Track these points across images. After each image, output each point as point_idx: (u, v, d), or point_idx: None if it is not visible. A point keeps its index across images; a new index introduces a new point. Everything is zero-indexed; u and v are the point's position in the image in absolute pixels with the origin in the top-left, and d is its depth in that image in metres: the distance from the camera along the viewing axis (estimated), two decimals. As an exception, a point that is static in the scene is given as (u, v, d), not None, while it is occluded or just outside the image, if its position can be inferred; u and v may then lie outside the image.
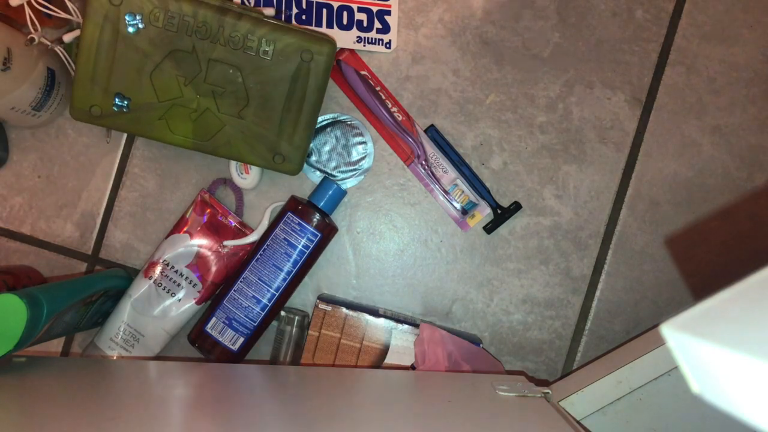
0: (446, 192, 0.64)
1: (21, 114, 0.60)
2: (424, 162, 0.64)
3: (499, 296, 0.66)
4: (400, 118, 0.64)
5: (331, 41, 0.57)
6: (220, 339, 0.59)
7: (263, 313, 0.60)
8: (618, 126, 0.65)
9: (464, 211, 0.64)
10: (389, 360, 0.61)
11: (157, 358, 0.64)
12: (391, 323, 0.62)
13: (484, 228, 0.65)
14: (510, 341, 0.66)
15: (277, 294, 0.60)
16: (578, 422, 0.50)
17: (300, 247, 0.59)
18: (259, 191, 0.66)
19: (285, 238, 0.60)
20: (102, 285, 0.59)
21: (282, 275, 0.59)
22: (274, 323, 0.65)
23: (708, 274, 0.65)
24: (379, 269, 0.66)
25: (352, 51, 0.65)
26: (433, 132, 0.64)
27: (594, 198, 0.65)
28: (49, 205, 0.66)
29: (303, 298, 0.66)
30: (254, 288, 0.60)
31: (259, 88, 0.56)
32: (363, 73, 0.64)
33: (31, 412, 0.40)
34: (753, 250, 0.64)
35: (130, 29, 0.54)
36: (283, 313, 0.63)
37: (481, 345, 0.63)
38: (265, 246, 0.60)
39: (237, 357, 0.60)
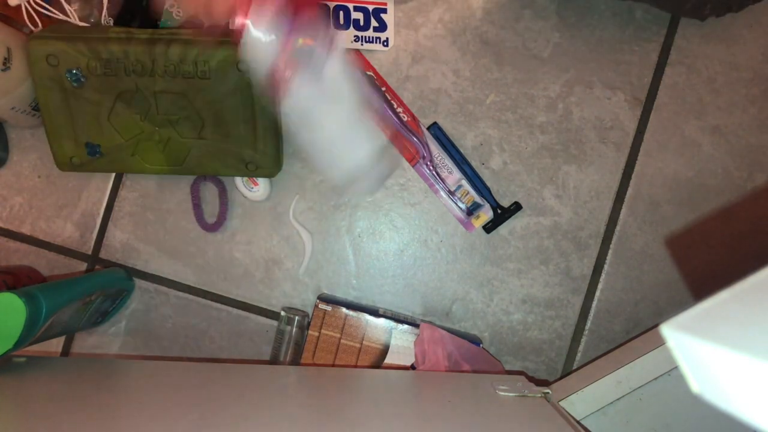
0: (451, 192, 0.64)
1: (21, 114, 0.60)
2: (429, 162, 0.64)
3: (499, 296, 0.66)
4: (405, 119, 0.64)
5: None
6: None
7: None
8: (618, 126, 0.65)
9: (469, 212, 0.64)
10: (389, 360, 0.61)
11: (157, 358, 0.64)
12: (391, 323, 0.62)
13: (484, 228, 0.65)
14: (510, 341, 0.66)
15: None
16: (578, 422, 0.50)
17: None
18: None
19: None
20: (101, 284, 0.59)
21: None
22: (274, 323, 0.65)
23: (708, 274, 0.65)
24: (379, 269, 0.66)
25: (357, 51, 0.65)
26: (435, 129, 0.64)
27: (594, 198, 0.65)
28: (49, 205, 0.66)
29: (303, 298, 0.66)
30: None
31: (209, 108, 0.58)
32: (369, 73, 0.64)
33: (31, 412, 0.40)
34: (753, 250, 0.64)
35: (75, 84, 0.56)
36: (283, 313, 0.63)
37: (481, 345, 0.63)
38: None
39: None
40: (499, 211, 0.64)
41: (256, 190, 0.63)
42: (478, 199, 0.64)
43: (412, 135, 0.64)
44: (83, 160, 0.59)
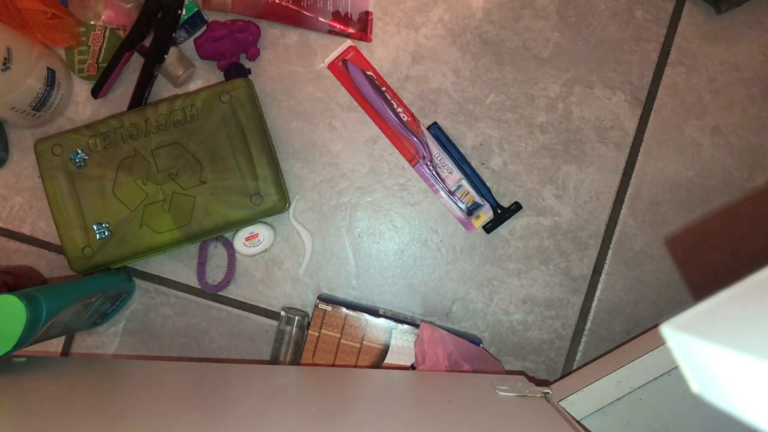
0: (451, 192, 0.64)
1: (21, 114, 0.60)
2: (429, 162, 0.64)
3: (499, 296, 0.66)
4: (405, 119, 0.64)
5: (241, 80, 0.60)
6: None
7: None
8: (618, 126, 0.65)
9: (469, 212, 0.64)
10: (389, 360, 0.61)
11: (157, 358, 0.64)
12: (391, 323, 0.62)
13: (484, 227, 0.65)
14: (510, 341, 0.66)
15: None
16: (578, 422, 0.50)
17: None
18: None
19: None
20: (102, 286, 0.59)
21: None
22: (274, 323, 0.65)
23: (708, 274, 0.65)
24: (379, 269, 0.66)
25: (357, 51, 0.65)
26: (435, 129, 0.64)
27: (594, 198, 0.65)
28: (49, 205, 0.66)
29: (303, 298, 0.66)
30: None
31: (203, 147, 0.59)
32: (369, 73, 0.64)
33: (31, 412, 0.40)
34: (753, 250, 0.64)
35: (78, 165, 0.59)
36: (283, 313, 0.63)
37: (481, 345, 0.63)
38: None
39: None
40: (499, 211, 0.64)
41: (258, 242, 0.63)
42: (478, 199, 0.64)
43: (412, 135, 0.64)
44: (94, 247, 0.59)
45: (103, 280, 0.60)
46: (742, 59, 0.64)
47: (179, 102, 0.59)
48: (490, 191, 0.64)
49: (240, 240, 0.63)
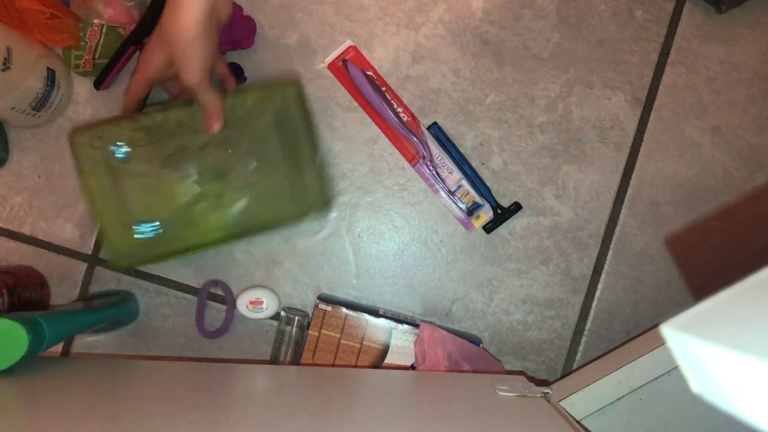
0: (451, 192, 0.64)
1: (21, 114, 0.60)
2: (429, 162, 0.64)
3: (499, 296, 0.66)
4: (405, 119, 0.64)
5: (292, 79, 0.59)
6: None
7: None
8: (618, 126, 0.65)
9: (469, 212, 0.64)
10: (389, 360, 0.61)
11: (157, 358, 0.64)
12: (391, 323, 0.62)
13: (484, 228, 0.65)
14: (510, 341, 0.66)
15: None
16: (578, 422, 0.50)
17: None
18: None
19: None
20: (109, 316, 0.59)
21: None
22: (274, 323, 0.65)
23: (708, 274, 0.65)
24: (379, 269, 0.66)
25: (357, 51, 0.65)
26: (435, 129, 0.64)
27: (594, 198, 0.65)
28: (49, 205, 0.66)
29: (303, 298, 0.66)
30: None
31: (253, 146, 0.57)
32: (369, 73, 0.64)
33: (31, 412, 0.40)
34: (753, 250, 0.64)
35: (121, 156, 0.54)
36: (283, 313, 0.63)
37: (481, 345, 0.63)
38: None
39: None
40: (499, 211, 0.64)
41: (261, 309, 0.63)
42: (478, 199, 0.64)
43: (412, 135, 0.64)
44: (138, 246, 0.56)
45: (111, 310, 0.60)
46: (742, 59, 0.64)
47: (229, 100, 0.55)
48: (490, 191, 0.64)
49: (243, 303, 0.63)
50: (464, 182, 0.64)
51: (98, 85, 0.63)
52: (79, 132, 0.54)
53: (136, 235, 0.56)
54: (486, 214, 0.64)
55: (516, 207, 0.64)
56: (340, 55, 0.65)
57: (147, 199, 0.56)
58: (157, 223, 0.56)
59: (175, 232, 0.57)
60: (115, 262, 0.56)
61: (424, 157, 0.64)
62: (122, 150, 0.55)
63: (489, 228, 0.65)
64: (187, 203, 0.56)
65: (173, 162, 0.56)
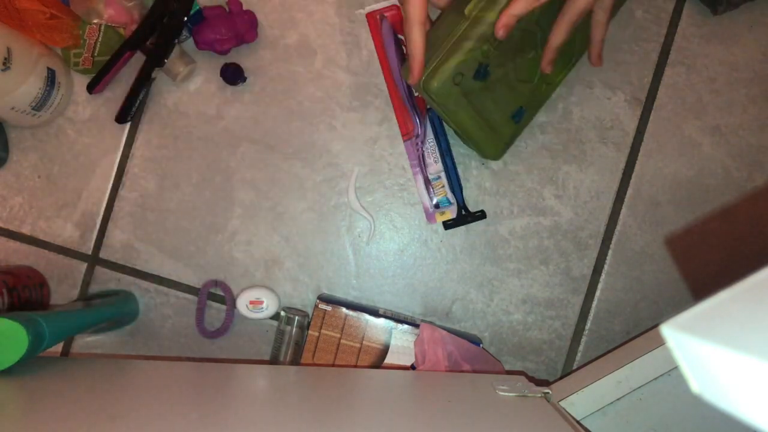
0: (428, 181, 0.64)
1: (21, 114, 0.60)
2: (420, 143, 0.64)
3: (499, 296, 0.66)
4: (416, 94, 0.64)
5: None
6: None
7: None
8: (618, 126, 0.65)
9: (437, 205, 0.65)
10: (389, 360, 0.61)
11: (157, 358, 0.64)
12: (391, 323, 0.62)
13: (444, 223, 0.65)
14: (510, 341, 0.66)
15: None
16: (578, 422, 0.50)
17: None
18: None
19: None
20: (110, 316, 0.59)
21: None
22: (274, 323, 0.65)
23: (708, 274, 0.65)
24: (379, 269, 0.66)
25: (399, 13, 0.63)
26: (433, 114, 0.64)
27: (594, 198, 0.65)
28: (49, 205, 0.66)
29: (303, 298, 0.66)
30: None
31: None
32: (400, 37, 0.64)
33: (31, 412, 0.40)
34: (753, 250, 0.64)
35: (483, 79, 0.55)
36: (282, 313, 0.63)
37: (481, 345, 0.63)
38: None
39: None
40: (463, 212, 0.64)
41: (261, 308, 0.63)
42: (449, 195, 0.65)
43: (415, 111, 0.64)
44: (514, 132, 0.60)
45: (111, 310, 0.60)
46: (741, 59, 0.64)
47: None
48: (462, 191, 0.64)
49: (243, 303, 0.63)
50: (443, 176, 0.65)
51: (91, 88, 0.63)
52: (433, 79, 0.52)
53: (510, 127, 0.60)
54: (450, 212, 0.65)
55: (481, 215, 0.64)
56: (382, 9, 0.64)
57: (510, 93, 0.58)
58: (521, 106, 0.59)
59: (535, 100, 0.61)
60: (495, 156, 0.61)
61: (417, 136, 0.64)
62: (483, 69, 0.54)
63: (449, 225, 0.65)
64: (537, 73, 0.58)
65: (521, 49, 0.56)
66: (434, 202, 0.65)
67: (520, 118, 0.60)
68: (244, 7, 0.64)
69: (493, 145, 0.60)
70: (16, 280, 0.60)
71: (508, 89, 0.58)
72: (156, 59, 0.61)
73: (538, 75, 0.59)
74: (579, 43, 0.60)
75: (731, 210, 0.64)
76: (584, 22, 0.56)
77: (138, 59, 0.64)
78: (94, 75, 0.63)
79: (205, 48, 0.63)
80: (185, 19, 0.61)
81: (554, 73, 0.60)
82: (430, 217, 0.65)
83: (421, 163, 0.64)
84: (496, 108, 0.58)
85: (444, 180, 0.64)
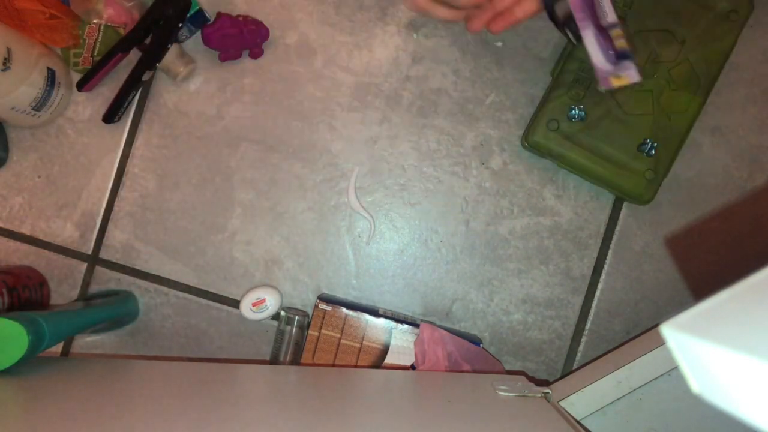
0: (602, 29, 0.52)
1: (21, 114, 0.60)
2: None
3: (499, 296, 0.66)
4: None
5: None
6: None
7: None
8: (618, 126, 0.65)
9: (619, 58, 0.52)
10: (389, 360, 0.61)
11: (157, 358, 0.64)
12: (391, 323, 0.62)
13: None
14: (510, 341, 0.66)
15: None
16: (578, 422, 0.50)
17: None
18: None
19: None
20: (109, 315, 0.59)
21: None
22: (274, 323, 0.65)
23: (708, 274, 0.65)
24: (379, 269, 0.66)
25: None
26: None
27: (594, 198, 0.65)
28: (49, 205, 0.66)
29: (303, 298, 0.66)
30: None
31: (659, 15, 0.59)
32: None
33: (31, 412, 0.40)
34: (753, 250, 0.64)
35: (582, 118, 0.58)
36: (282, 313, 0.63)
37: (481, 345, 0.63)
38: None
39: None
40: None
41: (264, 308, 0.63)
42: (628, 48, 0.52)
43: None
44: (650, 166, 0.59)
45: (111, 310, 0.60)
46: (742, 59, 0.64)
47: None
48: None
49: (246, 305, 0.63)
50: (619, 27, 0.52)
51: (81, 86, 0.63)
52: (533, 132, 0.59)
53: (642, 160, 0.59)
54: (629, 77, 0.53)
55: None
56: None
57: (625, 127, 0.58)
58: (646, 138, 0.58)
59: (665, 132, 0.59)
60: (644, 197, 0.60)
61: None
62: (576, 113, 0.58)
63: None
64: (654, 104, 0.58)
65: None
66: (614, 55, 0.53)
67: (651, 150, 0.58)
68: (249, 12, 0.64)
69: (633, 182, 0.59)
70: (16, 280, 0.60)
71: (619, 124, 0.58)
72: (148, 62, 0.61)
73: (655, 106, 0.58)
74: (705, 74, 0.59)
75: (731, 210, 0.64)
76: (703, 45, 0.58)
77: (135, 60, 0.64)
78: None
79: (210, 48, 0.64)
80: (179, 26, 0.61)
81: (682, 102, 0.59)
82: (603, 81, 0.53)
83: (593, 10, 0.53)
84: (613, 144, 0.58)
85: (621, 29, 0.52)
